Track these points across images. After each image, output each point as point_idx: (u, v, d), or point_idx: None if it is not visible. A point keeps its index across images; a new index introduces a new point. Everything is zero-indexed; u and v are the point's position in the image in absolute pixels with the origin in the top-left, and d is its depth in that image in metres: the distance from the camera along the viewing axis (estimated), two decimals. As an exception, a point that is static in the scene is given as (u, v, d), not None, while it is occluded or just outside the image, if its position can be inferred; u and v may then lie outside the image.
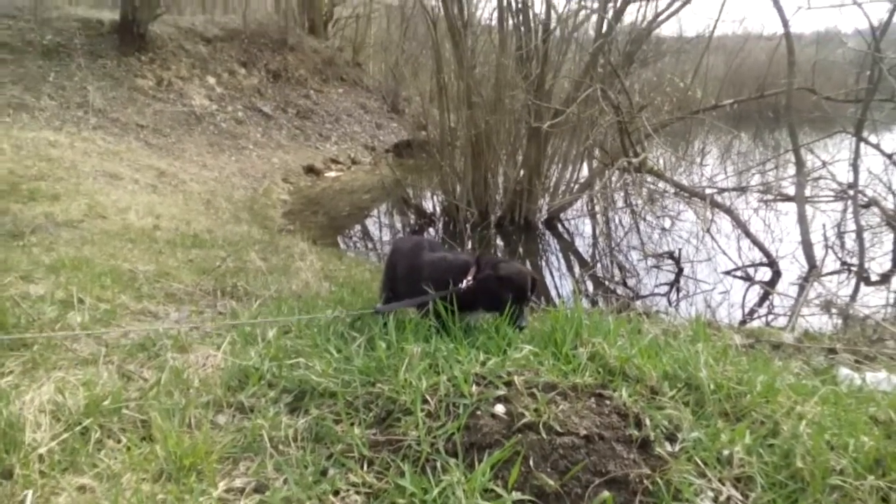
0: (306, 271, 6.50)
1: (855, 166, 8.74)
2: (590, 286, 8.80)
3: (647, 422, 2.73)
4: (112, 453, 2.64)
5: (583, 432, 2.52)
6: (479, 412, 2.65)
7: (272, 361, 3.41)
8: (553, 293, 8.59)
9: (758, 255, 8.89)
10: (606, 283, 8.74)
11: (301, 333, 3.98)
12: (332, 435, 2.79)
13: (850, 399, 3.32)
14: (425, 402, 2.83)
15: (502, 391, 2.78)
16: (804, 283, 7.84)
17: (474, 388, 2.83)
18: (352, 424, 2.86)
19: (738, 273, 8.75)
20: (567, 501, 2.32)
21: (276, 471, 2.63)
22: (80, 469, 2.51)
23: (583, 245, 11.05)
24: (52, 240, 6.57)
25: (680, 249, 9.04)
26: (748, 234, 8.89)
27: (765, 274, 8.75)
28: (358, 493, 2.49)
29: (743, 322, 7.13)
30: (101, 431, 2.74)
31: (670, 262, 9.00)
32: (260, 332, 3.93)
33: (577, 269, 9.65)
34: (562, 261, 10.22)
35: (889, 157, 8.82)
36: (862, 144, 8.69)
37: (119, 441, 2.73)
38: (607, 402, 2.85)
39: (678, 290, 8.57)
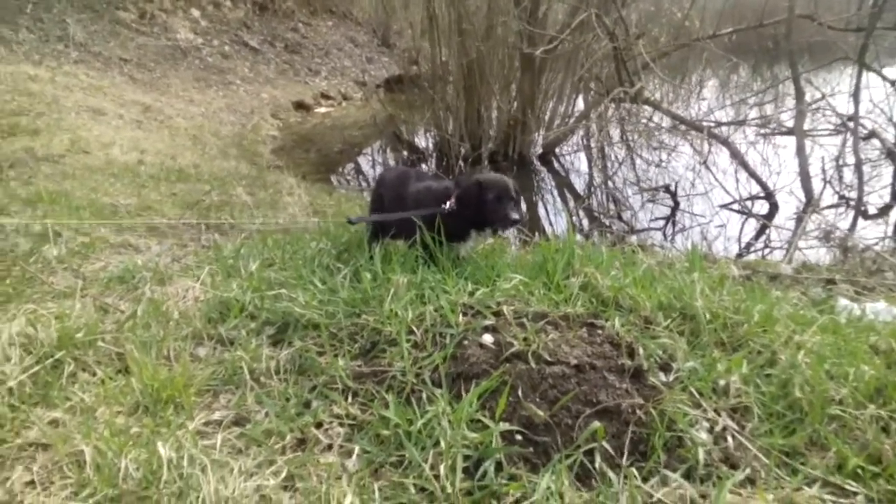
0: (294, 206, 6.35)
1: (856, 97, 8.49)
2: (584, 221, 8.68)
3: (641, 351, 2.64)
4: (86, 386, 2.54)
5: (573, 362, 2.42)
6: (466, 342, 2.55)
7: (254, 293, 3.29)
8: (548, 228, 8.46)
9: (755, 189, 8.72)
10: (601, 217, 8.61)
11: (285, 265, 3.86)
12: (315, 367, 2.70)
13: (849, 329, 3.25)
14: (411, 332, 2.74)
15: (490, 321, 2.67)
16: (802, 215, 7.72)
17: (461, 318, 2.72)
18: (336, 356, 2.77)
19: (735, 206, 8.60)
20: (557, 432, 2.23)
21: (258, 403, 2.55)
22: (52, 402, 2.42)
23: (578, 180, 10.85)
24: (32, 174, 6.37)
25: (676, 183, 8.89)
26: (746, 167, 8.72)
27: (762, 207, 8.61)
28: (341, 424, 2.41)
29: (739, 255, 7.03)
30: (74, 364, 2.65)
31: (666, 195, 8.86)
32: (242, 265, 3.82)
33: (571, 204, 9.49)
34: (556, 196, 10.05)
35: (893, 83, 8.58)
36: (864, 75, 8.43)
37: (94, 374, 2.64)
38: (599, 331, 2.76)
39: (674, 224, 8.44)
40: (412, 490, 2.07)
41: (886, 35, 9.20)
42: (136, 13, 15.88)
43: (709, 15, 12.05)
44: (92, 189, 5.85)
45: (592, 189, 10.27)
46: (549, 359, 2.43)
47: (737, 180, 9.09)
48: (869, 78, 8.58)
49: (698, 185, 9.16)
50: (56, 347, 2.67)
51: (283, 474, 2.15)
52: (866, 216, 8.23)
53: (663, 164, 9.95)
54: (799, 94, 8.53)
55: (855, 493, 2.25)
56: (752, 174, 8.69)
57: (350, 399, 2.53)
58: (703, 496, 2.12)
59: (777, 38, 13.38)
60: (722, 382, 2.61)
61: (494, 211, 3.40)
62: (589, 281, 3.27)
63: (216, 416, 2.48)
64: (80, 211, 4.94)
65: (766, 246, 7.55)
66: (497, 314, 2.82)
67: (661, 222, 8.53)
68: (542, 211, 9.32)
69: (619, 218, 8.37)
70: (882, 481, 2.27)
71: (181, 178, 7.48)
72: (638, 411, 2.32)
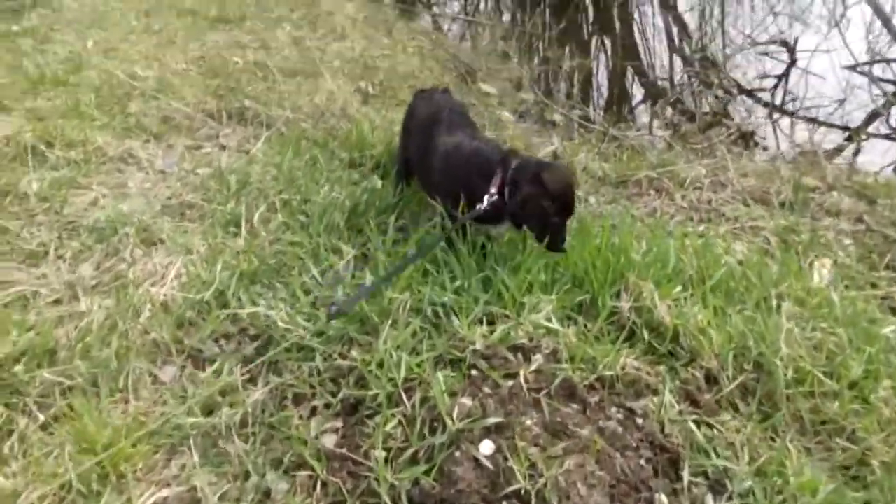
0: (335, 72, 5.52)
1: None
2: (676, 78, 7.47)
3: (686, 470, 2.06)
4: (17, 446, 2.18)
5: (587, 516, 1.87)
6: (458, 454, 2.01)
7: (241, 282, 2.79)
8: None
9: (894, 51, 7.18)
10: (698, 75, 7.29)
11: (293, 215, 3.30)
12: (286, 426, 2.25)
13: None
14: (401, 399, 2.22)
15: (497, 417, 2.08)
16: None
17: (461, 402, 2.14)
18: (313, 410, 2.31)
19: (864, 70, 7.15)
20: None
21: (212, 483, 2.15)
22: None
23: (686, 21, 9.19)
24: (55, 20, 5.76)
25: (797, 38, 7.43)
26: (886, 22, 7.16)
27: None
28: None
29: (856, 151, 5.84)
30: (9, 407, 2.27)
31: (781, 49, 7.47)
32: (245, 209, 3.30)
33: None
34: (652, 44, 8.59)
35: None
36: None
37: (36, 420, 2.26)
38: (639, 420, 2.17)
39: (786, 85, 7.18)
40: None
41: None
42: None
43: None
44: (109, 50, 5.22)
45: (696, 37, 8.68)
46: (557, 507, 1.88)
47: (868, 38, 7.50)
48: None
49: (821, 37, 7.62)
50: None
51: None
52: None
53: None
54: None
55: None
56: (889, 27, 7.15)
57: (318, 492, 2.09)
58: None
59: None
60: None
61: (550, 230, 2.67)
62: (645, 305, 2.60)
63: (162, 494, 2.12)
64: (94, 95, 4.40)
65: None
66: (513, 376, 2.25)
67: (772, 82, 7.28)
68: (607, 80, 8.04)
69: (721, 84, 7.07)
70: None
71: (220, 16, 6.66)
72: None
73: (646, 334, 2.53)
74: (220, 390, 2.39)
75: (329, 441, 2.20)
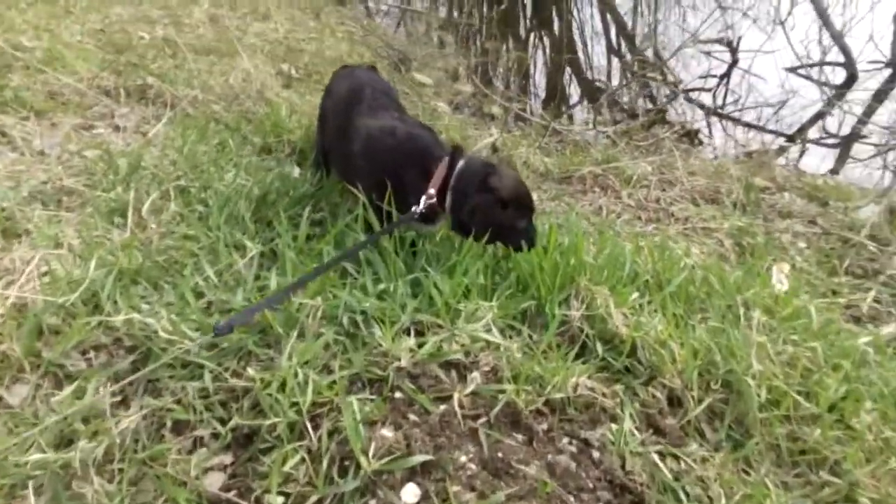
0: (253, 52, 5.01)
1: None
2: (615, 77, 7.23)
3: (652, 516, 1.70)
4: None
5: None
6: (374, 503, 1.59)
7: (119, 282, 2.30)
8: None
9: (837, 55, 7.11)
10: (638, 73, 7.06)
11: (189, 205, 2.83)
12: (161, 462, 1.79)
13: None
14: (306, 429, 1.79)
15: (424, 453, 1.68)
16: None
17: (380, 434, 1.73)
18: (196, 442, 1.86)
19: (805, 72, 7.06)
20: None
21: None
22: None
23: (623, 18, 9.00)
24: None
25: (740, 38, 7.30)
26: (827, 25, 7.10)
27: (838, 76, 7.05)
28: None
29: (802, 152, 5.66)
30: None
31: (723, 49, 7.33)
32: (134, 195, 2.80)
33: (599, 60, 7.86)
34: (591, 41, 8.35)
35: None
36: None
37: None
38: (595, 454, 1.80)
39: (727, 84, 7.02)
40: None
41: None
42: None
43: None
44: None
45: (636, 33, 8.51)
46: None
47: (820, 43, 7.44)
48: None
49: (764, 38, 7.52)
50: None
51: None
52: None
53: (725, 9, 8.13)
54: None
55: None
56: (833, 33, 7.09)
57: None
58: None
59: None
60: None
61: (518, 234, 2.36)
62: (598, 314, 2.24)
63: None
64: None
65: (831, 136, 6.17)
66: (446, 399, 1.85)
67: (713, 82, 7.12)
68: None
69: (663, 77, 6.85)
70: None
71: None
72: None
73: (599, 348, 2.17)
74: (83, 416, 1.91)
75: (214, 482, 1.76)
